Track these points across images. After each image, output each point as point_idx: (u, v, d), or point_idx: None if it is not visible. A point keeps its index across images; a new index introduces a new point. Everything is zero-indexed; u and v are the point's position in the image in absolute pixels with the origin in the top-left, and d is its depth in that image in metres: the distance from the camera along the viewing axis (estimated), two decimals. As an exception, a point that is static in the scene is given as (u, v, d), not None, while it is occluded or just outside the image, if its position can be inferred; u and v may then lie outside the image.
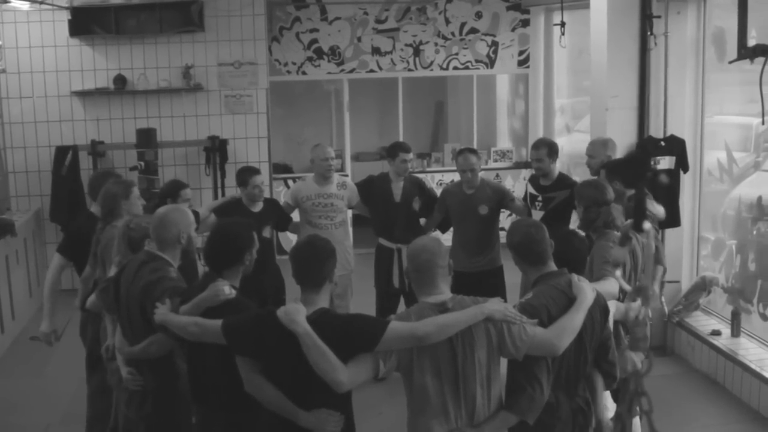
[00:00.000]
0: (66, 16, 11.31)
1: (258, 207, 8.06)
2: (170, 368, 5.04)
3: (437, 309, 4.22)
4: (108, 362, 5.74)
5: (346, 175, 12.81)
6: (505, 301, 7.85)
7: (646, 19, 8.01)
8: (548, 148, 8.08)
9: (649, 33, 8.88)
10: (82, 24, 11.40)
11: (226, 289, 4.54)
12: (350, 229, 9.33)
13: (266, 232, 8.04)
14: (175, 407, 5.05)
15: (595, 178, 6.61)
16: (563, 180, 8.18)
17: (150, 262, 5.03)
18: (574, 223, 8.08)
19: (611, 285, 5.15)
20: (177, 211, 5.28)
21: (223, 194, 11.33)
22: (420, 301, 4.35)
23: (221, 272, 4.71)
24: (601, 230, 5.63)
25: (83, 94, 11.58)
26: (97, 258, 6.15)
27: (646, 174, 6.99)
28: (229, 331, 4.31)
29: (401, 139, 12.38)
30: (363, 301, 8.85)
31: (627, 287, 4.56)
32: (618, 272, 4.64)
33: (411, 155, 8.50)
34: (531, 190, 8.20)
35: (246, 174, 8.05)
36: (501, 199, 8.17)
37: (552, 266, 4.60)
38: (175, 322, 4.53)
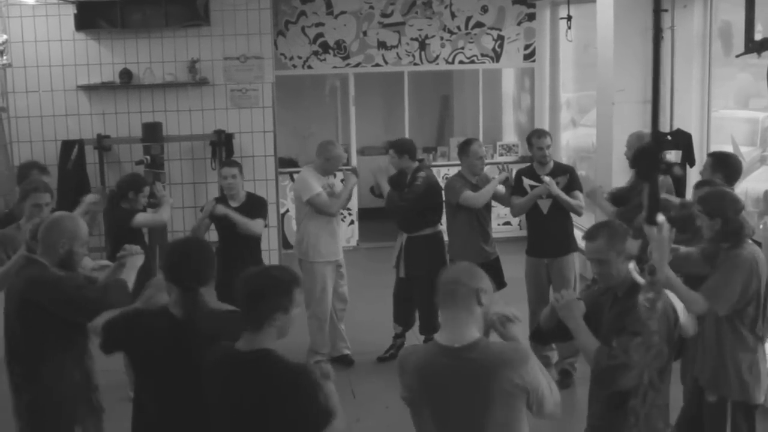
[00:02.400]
0: (72, 10, 11.31)
1: (237, 202, 8.05)
2: (48, 369, 5.00)
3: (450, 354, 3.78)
4: None
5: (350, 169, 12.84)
6: (505, 285, 8.15)
7: (660, 12, 7.97)
8: (550, 137, 8.20)
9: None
10: (88, 18, 11.40)
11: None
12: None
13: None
14: (46, 409, 5.03)
15: (718, 186, 6.37)
16: (560, 166, 8.36)
17: (28, 266, 5.04)
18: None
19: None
20: (70, 219, 5.22)
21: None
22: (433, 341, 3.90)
23: (198, 291, 4.32)
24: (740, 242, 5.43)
25: (89, 89, 11.58)
26: None
27: (660, 166, 6.93)
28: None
29: (407, 134, 12.43)
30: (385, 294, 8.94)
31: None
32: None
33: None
34: (529, 182, 8.17)
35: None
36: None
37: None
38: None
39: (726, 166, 6.61)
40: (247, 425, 3.81)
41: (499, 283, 7.95)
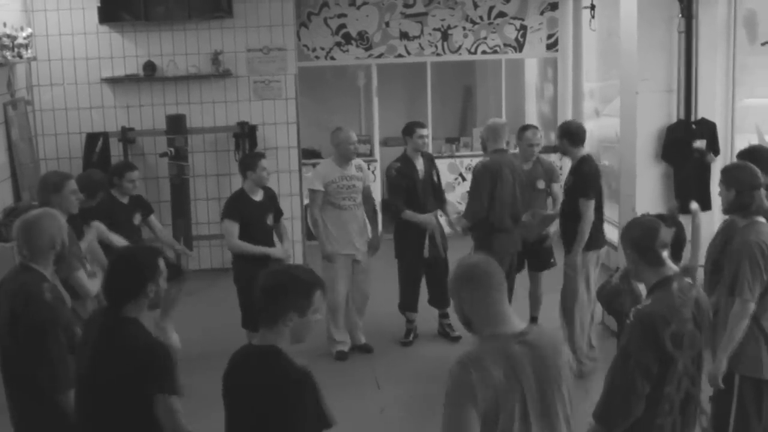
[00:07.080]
0: (95, 3, 11.34)
1: (259, 196, 8.13)
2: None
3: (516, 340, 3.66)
4: None
5: (376, 160, 12.88)
6: (554, 263, 8.42)
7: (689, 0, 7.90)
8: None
9: (679, 15, 8.82)
10: (112, 11, 11.44)
11: None
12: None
13: (269, 220, 8.21)
14: None
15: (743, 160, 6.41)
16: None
17: (23, 272, 4.98)
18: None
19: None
20: (48, 216, 5.13)
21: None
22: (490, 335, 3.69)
23: (122, 308, 4.21)
24: (752, 216, 5.47)
25: (113, 81, 11.63)
26: None
27: (692, 154, 6.87)
28: None
29: (429, 125, 12.44)
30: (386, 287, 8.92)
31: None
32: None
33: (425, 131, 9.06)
34: None
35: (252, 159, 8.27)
36: (551, 176, 8.91)
37: (669, 270, 4.47)
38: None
39: (758, 161, 6.62)
40: (244, 418, 3.84)
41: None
